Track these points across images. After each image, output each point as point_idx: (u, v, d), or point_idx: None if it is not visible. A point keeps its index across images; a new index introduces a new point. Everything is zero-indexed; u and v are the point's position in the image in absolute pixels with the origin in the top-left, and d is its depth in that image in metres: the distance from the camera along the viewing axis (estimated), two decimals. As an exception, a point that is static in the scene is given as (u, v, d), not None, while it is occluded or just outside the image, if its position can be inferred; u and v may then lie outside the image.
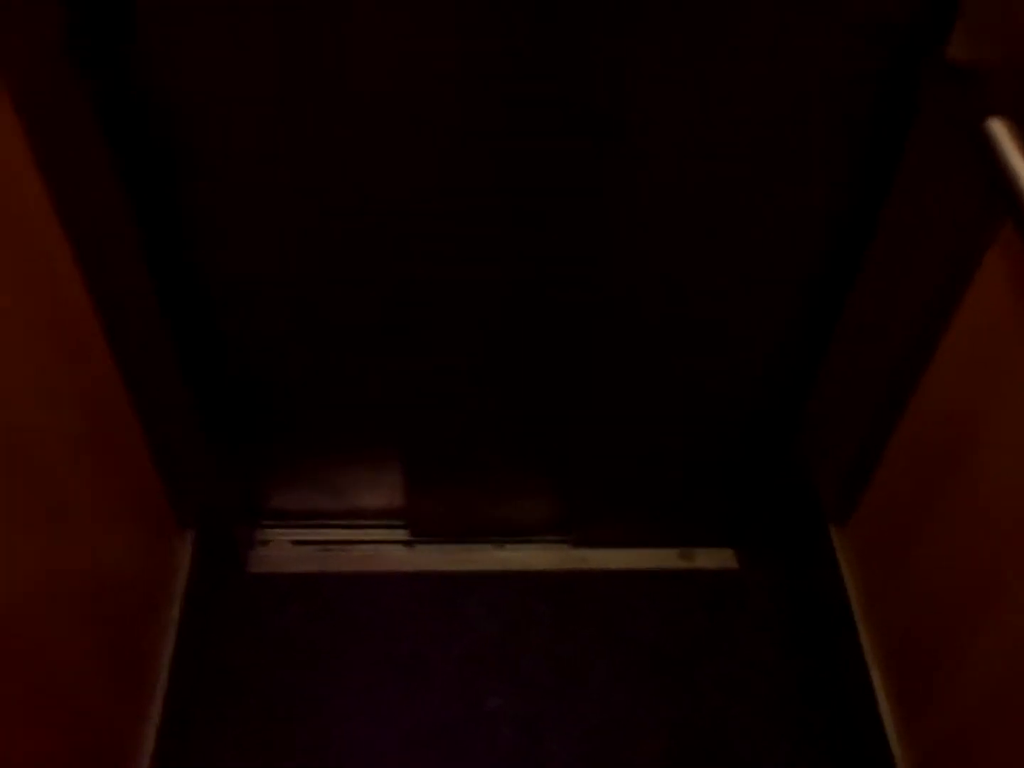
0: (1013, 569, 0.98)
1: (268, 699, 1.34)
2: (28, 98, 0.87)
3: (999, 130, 0.85)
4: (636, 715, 1.35)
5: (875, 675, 1.28)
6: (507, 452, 1.42)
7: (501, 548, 1.53)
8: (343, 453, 1.44)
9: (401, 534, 1.53)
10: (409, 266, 1.13)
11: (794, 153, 1.02)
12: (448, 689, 1.36)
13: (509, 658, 1.40)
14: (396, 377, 1.28)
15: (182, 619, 1.30)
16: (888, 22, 0.91)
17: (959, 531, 1.09)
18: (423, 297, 1.17)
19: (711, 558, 1.52)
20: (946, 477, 1.12)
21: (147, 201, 1.02)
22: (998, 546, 1.01)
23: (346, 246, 1.12)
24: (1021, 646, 0.97)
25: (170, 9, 0.89)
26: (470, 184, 1.05)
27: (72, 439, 1.02)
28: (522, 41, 0.92)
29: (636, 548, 1.52)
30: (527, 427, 1.37)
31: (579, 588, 1.48)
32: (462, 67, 0.94)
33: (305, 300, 1.18)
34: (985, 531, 1.04)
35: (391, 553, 1.52)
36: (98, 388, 1.09)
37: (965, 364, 1.08)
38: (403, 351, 1.24)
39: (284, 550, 1.51)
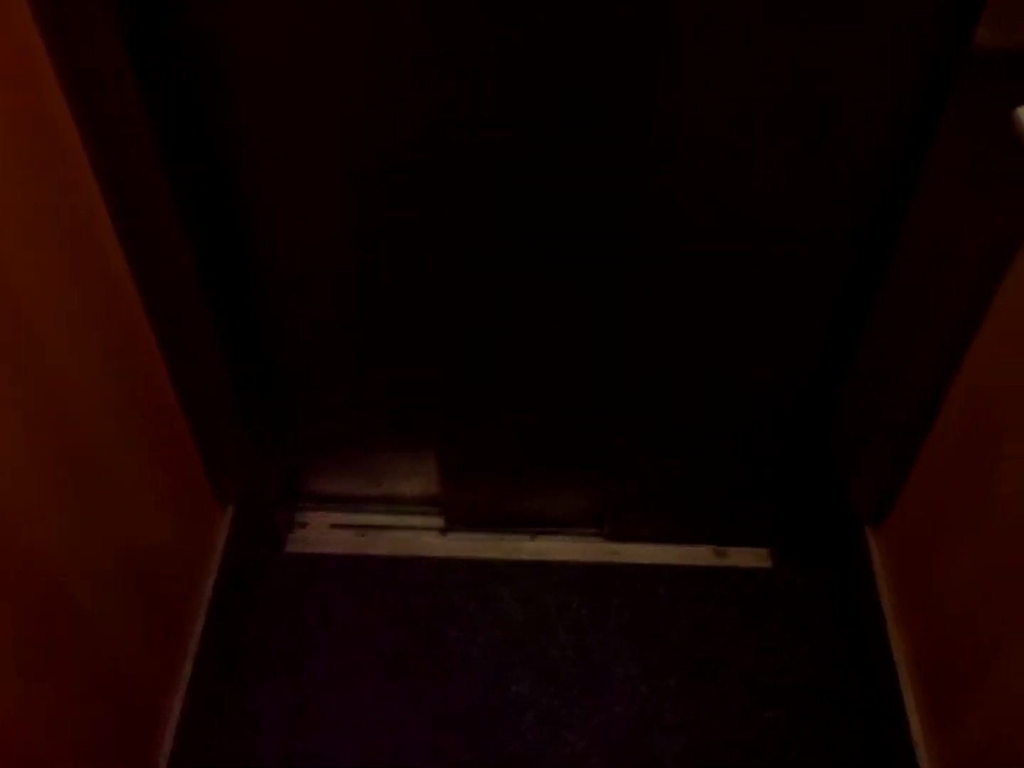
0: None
1: (297, 674, 1.37)
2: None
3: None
4: (659, 712, 1.34)
5: (904, 681, 1.25)
6: (543, 444, 1.42)
7: (534, 539, 1.54)
8: (382, 440, 1.46)
9: (436, 521, 1.55)
10: (446, 261, 1.15)
11: (822, 148, 1.01)
12: (475, 673, 1.38)
13: (536, 646, 1.41)
14: (434, 367, 1.30)
15: (216, 592, 1.34)
16: (917, 10, 0.90)
17: (997, 531, 1.06)
18: (464, 289, 1.19)
19: (745, 556, 1.50)
20: (983, 477, 1.09)
21: (193, 186, 1.06)
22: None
23: (389, 236, 1.14)
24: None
25: None
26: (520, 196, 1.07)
27: (113, 414, 1.06)
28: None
29: (669, 544, 1.52)
30: (563, 420, 1.38)
31: (610, 581, 1.48)
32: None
33: (347, 288, 1.21)
34: None
35: (426, 539, 1.54)
36: (140, 365, 1.13)
37: (1003, 356, 1.05)
38: (441, 342, 1.26)
39: (321, 532, 1.54)
